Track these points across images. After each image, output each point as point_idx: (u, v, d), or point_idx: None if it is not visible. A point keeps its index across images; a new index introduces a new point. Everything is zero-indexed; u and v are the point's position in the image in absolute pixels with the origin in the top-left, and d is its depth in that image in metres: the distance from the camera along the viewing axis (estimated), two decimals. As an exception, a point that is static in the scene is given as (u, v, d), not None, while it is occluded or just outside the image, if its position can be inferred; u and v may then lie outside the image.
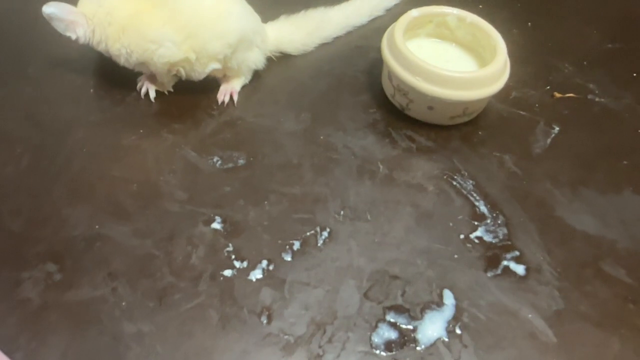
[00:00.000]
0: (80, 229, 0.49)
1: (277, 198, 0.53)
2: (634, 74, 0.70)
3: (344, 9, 0.68)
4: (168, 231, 0.50)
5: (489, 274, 0.50)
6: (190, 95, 0.61)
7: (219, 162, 0.55)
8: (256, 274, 0.48)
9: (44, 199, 0.51)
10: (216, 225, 0.51)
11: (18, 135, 0.56)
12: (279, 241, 0.50)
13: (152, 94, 0.59)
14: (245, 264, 0.48)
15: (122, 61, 0.57)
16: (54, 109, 0.58)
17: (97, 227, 0.49)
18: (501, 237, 0.52)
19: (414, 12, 0.62)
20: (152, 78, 0.60)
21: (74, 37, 0.55)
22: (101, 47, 0.56)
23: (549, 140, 0.61)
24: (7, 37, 0.65)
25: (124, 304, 0.45)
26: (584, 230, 0.53)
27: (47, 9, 0.53)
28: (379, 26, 0.70)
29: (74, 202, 0.51)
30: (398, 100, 0.61)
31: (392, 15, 0.71)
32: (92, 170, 0.54)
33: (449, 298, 0.48)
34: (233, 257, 0.49)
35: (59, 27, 0.54)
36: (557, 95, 0.66)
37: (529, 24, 0.75)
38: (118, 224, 0.50)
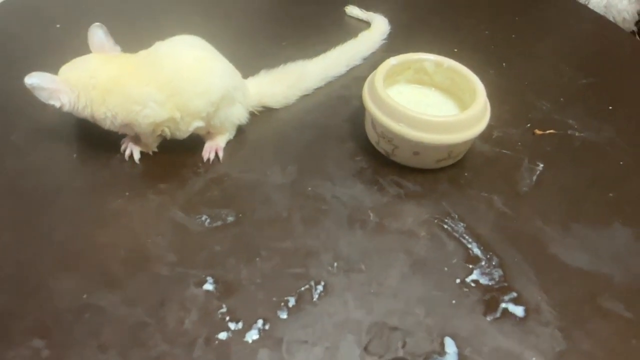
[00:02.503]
0: (68, 300, 0.48)
1: (268, 254, 0.52)
2: (610, 107, 0.71)
3: (322, 61, 0.70)
4: (159, 296, 0.48)
5: (489, 318, 0.49)
6: (175, 154, 0.60)
7: (208, 221, 0.55)
8: (252, 335, 0.46)
9: (30, 272, 0.50)
10: (208, 286, 0.49)
11: (1, 207, 0.55)
12: (274, 298, 0.49)
13: (137, 156, 0.59)
14: (240, 325, 0.47)
15: (107, 125, 0.57)
16: (37, 177, 0.58)
17: (85, 297, 0.48)
18: (497, 279, 0.52)
19: (393, 60, 0.63)
20: (136, 139, 0.59)
21: (58, 105, 0.55)
22: (86, 112, 0.56)
23: (534, 178, 0.61)
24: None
25: (116, 377, 0.43)
26: (579, 267, 0.53)
27: (29, 80, 0.53)
28: (358, 75, 0.71)
29: (60, 273, 0.50)
30: (383, 147, 0.61)
31: (370, 63, 0.73)
32: (78, 238, 0.53)
33: (450, 346, 0.47)
34: (227, 318, 0.47)
35: (42, 96, 0.54)
36: (538, 132, 0.67)
37: (504, 64, 0.77)
38: (107, 292, 0.48)
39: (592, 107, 0.71)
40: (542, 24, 0.87)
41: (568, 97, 0.72)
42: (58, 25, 0.77)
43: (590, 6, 1.43)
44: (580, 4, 0.96)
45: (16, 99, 0.64)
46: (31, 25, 0.78)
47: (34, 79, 0.53)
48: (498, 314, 0.49)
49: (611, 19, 1.46)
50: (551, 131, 0.67)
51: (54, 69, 0.57)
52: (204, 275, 0.50)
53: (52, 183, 0.57)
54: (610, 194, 0.60)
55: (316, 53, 0.71)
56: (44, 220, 0.54)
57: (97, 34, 0.58)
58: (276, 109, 0.66)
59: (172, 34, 0.59)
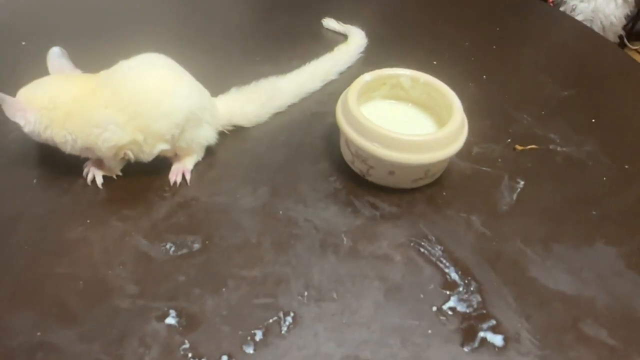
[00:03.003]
0: (21, 337, 0.45)
1: (236, 283, 0.50)
2: (593, 120, 0.70)
3: (296, 77, 0.67)
4: (118, 332, 0.46)
5: (466, 349, 0.47)
6: (141, 177, 0.58)
7: (173, 249, 0.52)
8: (216, 372, 0.44)
9: (-19, 307, 0.47)
10: (170, 320, 0.47)
11: (-46, 236, 0.52)
12: (240, 332, 0.47)
13: (100, 180, 0.56)
14: (203, 361, 0.45)
15: (68, 149, 0.55)
16: (-6, 203, 0.55)
17: (39, 334, 0.45)
18: (475, 306, 0.49)
19: (367, 77, 0.61)
20: (99, 163, 0.57)
21: (22, 122, 0.53)
22: (47, 134, 0.54)
23: (515, 196, 0.59)
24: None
25: (68, 422, 0.41)
26: (561, 290, 0.51)
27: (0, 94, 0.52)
28: (333, 90, 0.69)
29: (14, 308, 0.47)
30: (358, 167, 0.59)
31: (347, 77, 0.71)
32: (35, 269, 0.50)
33: (426, 380, 0.44)
34: (190, 355, 0.45)
35: (9, 112, 0.52)
36: (519, 147, 0.65)
37: (484, 76, 0.75)
38: (63, 328, 0.46)
39: (575, 120, 0.69)
40: (523, 34, 0.85)
41: (550, 110, 0.70)
42: (24, 43, 0.74)
43: (577, 11, 1.43)
44: (563, 14, 0.95)
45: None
46: (-3, 43, 0.75)
47: (1, 94, 0.52)
48: (476, 344, 0.47)
49: (598, 23, 1.45)
50: (532, 146, 0.65)
51: (19, 85, 0.55)
52: (166, 308, 0.48)
53: (11, 210, 0.55)
54: (594, 212, 0.58)
55: (291, 68, 0.69)
56: (1, 251, 0.51)
57: (56, 58, 0.56)
58: (248, 128, 0.64)
59: (139, 52, 0.57)
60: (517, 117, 0.69)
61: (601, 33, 1.43)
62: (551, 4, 1.43)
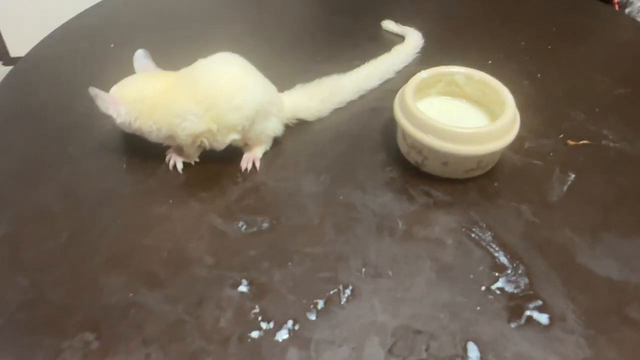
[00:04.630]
0: (116, 297, 0.52)
1: (300, 258, 0.55)
2: (647, 117, 0.71)
3: (356, 75, 0.72)
4: (197, 296, 0.52)
5: (513, 325, 0.50)
6: (216, 164, 0.64)
7: (244, 227, 0.58)
8: (282, 335, 0.49)
9: (82, 270, 0.54)
10: (243, 288, 0.53)
11: (58, 211, 0.60)
12: (304, 301, 0.52)
13: (180, 166, 0.63)
14: (271, 325, 0.50)
15: (153, 137, 0.61)
16: (90, 184, 0.63)
17: (131, 294, 0.52)
18: (523, 287, 0.53)
19: (423, 74, 0.65)
20: (180, 150, 0.64)
21: (115, 115, 0.60)
22: (136, 125, 0.61)
23: (565, 188, 0.62)
24: (50, 122, 0.71)
25: (157, 369, 0.47)
26: (608, 276, 0.54)
27: (93, 91, 0.59)
28: (391, 88, 0.73)
29: (109, 272, 0.54)
30: (413, 158, 0.63)
31: (403, 76, 0.75)
32: (125, 241, 0.57)
33: (473, 351, 0.48)
34: (260, 318, 0.50)
35: (102, 106, 0.59)
36: (571, 142, 0.67)
37: (539, 75, 0.77)
38: (150, 290, 0.52)
39: (628, 117, 0.70)
40: (580, 33, 0.86)
41: (603, 108, 0.72)
42: (112, 45, 0.83)
43: (628, 9, 1.40)
44: (619, 13, 0.95)
45: (72, 114, 0.70)
46: (89, 45, 0.84)
47: (97, 90, 0.59)
48: (522, 321, 0.50)
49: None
50: (585, 142, 0.67)
51: (109, 83, 0.62)
52: (239, 278, 0.53)
53: (103, 189, 0.62)
54: (644, 205, 0.60)
55: (351, 67, 0.74)
56: (96, 223, 0.58)
57: (141, 58, 0.64)
58: (311, 121, 0.70)
59: (215, 52, 0.63)
60: (570, 114, 0.71)
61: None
62: (616, 5, 1.41)
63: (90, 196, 0.61)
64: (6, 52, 1.82)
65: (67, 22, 0.89)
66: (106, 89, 0.62)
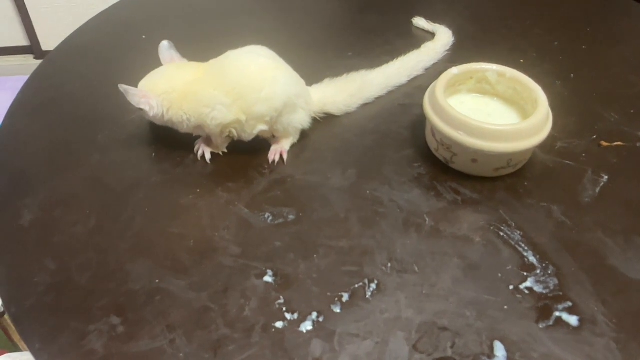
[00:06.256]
0: (142, 283, 0.52)
1: (325, 251, 0.55)
2: (684, 120, 0.69)
3: (384, 71, 0.72)
4: (222, 284, 0.52)
5: (541, 325, 0.49)
6: (243, 155, 0.64)
7: (270, 218, 0.58)
8: (306, 326, 0.49)
9: (110, 255, 0.55)
10: (268, 278, 0.53)
11: (87, 197, 0.61)
12: (328, 293, 0.51)
13: (208, 156, 0.64)
14: (295, 315, 0.50)
15: (184, 127, 0.62)
16: (119, 172, 0.63)
17: (157, 281, 0.52)
18: (552, 288, 0.52)
19: (454, 70, 0.64)
20: (208, 141, 0.64)
21: (147, 108, 0.60)
22: (168, 116, 0.61)
23: (598, 189, 0.60)
24: (81, 111, 0.72)
25: (181, 355, 0.47)
26: (640, 280, 0.52)
27: (123, 87, 0.59)
28: (419, 85, 0.73)
29: (136, 258, 0.55)
30: (442, 154, 0.63)
31: (432, 74, 0.74)
32: (152, 228, 0.57)
33: (500, 350, 0.47)
34: (284, 309, 0.50)
35: (134, 101, 0.60)
36: (604, 144, 0.66)
37: (572, 75, 0.76)
38: (176, 277, 0.53)
39: (665, 120, 0.69)
40: (615, 35, 0.85)
41: (638, 109, 0.70)
42: (144, 36, 0.84)
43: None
44: (658, 15, 0.93)
45: (103, 104, 0.71)
46: (121, 36, 0.85)
47: (126, 86, 0.59)
48: (551, 322, 0.49)
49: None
50: (618, 143, 0.66)
51: (141, 74, 0.63)
52: (264, 268, 0.53)
53: (132, 178, 0.63)
54: (680, 209, 0.58)
55: (381, 63, 0.74)
56: (124, 211, 0.59)
57: (166, 50, 0.65)
58: (338, 116, 0.69)
59: (244, 44, 0.64)
60: (603, 115, 0.70)
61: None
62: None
63: (119, 184, 0.62)
64: (38, 47, 1.86)
65: (100, 14, 0.90)
66: (138, 79, 0.62)
